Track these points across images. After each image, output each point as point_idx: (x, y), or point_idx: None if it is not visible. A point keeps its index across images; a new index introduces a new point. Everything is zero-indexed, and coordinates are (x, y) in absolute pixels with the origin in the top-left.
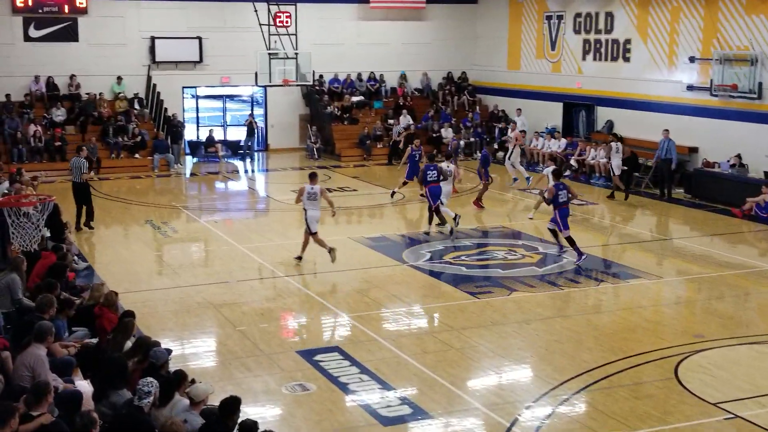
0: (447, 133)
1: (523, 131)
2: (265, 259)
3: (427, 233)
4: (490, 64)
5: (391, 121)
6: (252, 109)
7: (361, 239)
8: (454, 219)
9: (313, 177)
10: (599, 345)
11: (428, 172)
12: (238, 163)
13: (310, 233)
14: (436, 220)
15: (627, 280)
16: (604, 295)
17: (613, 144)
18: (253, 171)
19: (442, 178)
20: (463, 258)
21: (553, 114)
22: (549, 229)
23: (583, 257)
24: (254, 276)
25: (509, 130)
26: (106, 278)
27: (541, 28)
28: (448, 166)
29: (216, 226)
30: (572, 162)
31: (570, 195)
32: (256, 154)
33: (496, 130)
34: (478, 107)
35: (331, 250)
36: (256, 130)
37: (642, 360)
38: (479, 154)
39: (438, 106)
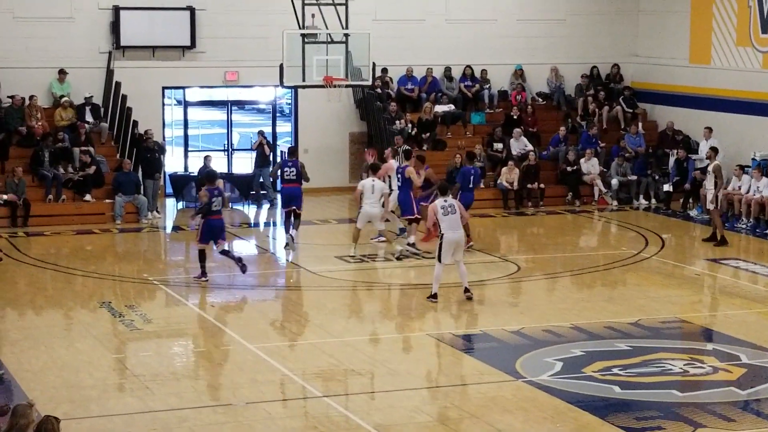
0: (590, 166)
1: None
2: (292, 368)
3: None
4: (662, 56)
5: (498, 146)
6: (274, 124)
7: (447, 337)
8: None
9: None
10: None
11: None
12: (250, 211)
13: None
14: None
15: None
16: None
17: None
18: (273, 224)
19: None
20: (616, 371)
21: (764, 136)
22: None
23: (204, 279)
24: (274, 395)
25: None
26: (35, 395)
27: None
28: (445, 200)
29: (213, 313)
30: None
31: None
32: (278, 195)
33: (671, 161)
34: (641, 124)
35: None
36: (270, 158)
37: None
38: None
39: (575, 122)
